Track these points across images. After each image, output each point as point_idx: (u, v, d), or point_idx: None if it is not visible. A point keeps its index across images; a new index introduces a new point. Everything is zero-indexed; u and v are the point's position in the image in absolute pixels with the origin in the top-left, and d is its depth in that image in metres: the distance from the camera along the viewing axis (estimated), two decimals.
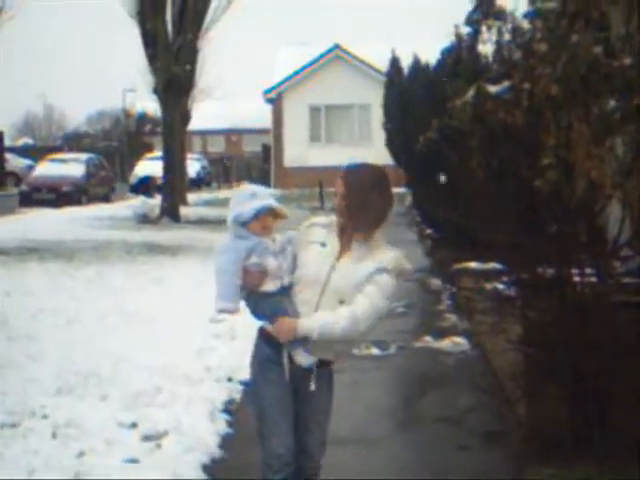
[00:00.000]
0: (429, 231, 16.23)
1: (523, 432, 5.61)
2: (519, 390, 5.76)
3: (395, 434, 6.16)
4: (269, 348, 4.08)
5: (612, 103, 5.28)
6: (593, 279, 5.63)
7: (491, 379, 7.02)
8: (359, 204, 3.94)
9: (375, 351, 8.44)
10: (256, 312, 4.07)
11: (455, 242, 12.04)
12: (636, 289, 5.78)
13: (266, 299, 4.00)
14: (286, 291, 4.02)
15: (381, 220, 4.03)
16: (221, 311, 4.04)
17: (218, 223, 20.96)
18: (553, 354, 5.39)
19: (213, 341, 8.41)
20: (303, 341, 3.95)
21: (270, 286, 4.00)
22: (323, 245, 4.03)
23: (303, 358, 4.00)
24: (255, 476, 4.27)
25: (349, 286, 3.95)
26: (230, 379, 7.22)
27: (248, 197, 4.01)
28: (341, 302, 3.94)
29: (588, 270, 5.65)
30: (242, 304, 4.06)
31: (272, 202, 4.03)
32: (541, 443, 5.34)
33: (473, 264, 10.56)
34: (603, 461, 5.13)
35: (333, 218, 4.11)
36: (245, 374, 7.34)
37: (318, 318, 3.93)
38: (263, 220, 4.01)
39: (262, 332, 4.13)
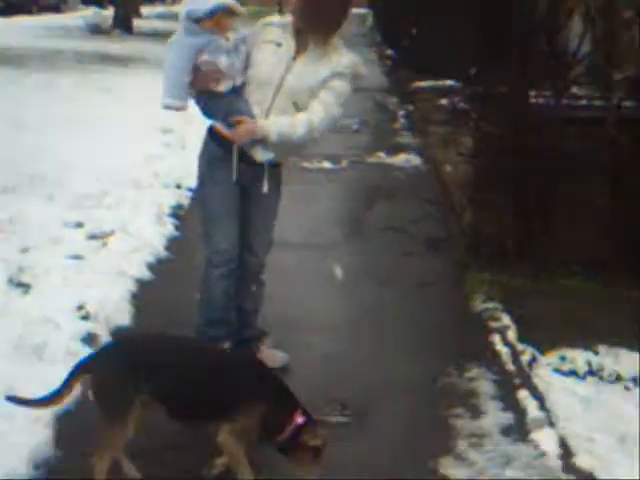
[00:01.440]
0: (389, 52, 15.99)
1: (466, 240, 5.68)
2: (465, 199, 5.81)
3: (343, 241, 6.21)
4: (218, 147, 3.98)
5: None
6: (548, 94, 5.61)
7: (440, 191, 7.07)
8: (314, 4, 3.78)
9: (328, 165, 8.43)
10: (208, 113, 3.93)
11: (414, 61, 11.89)
12: (589, 107, 5.79)
13: (218, 99, 3.84)
14: (238, 91, 3.87)
15: (338, 22, 3.84)
16: (167, 107, 3.87)
17: (171, 36, 20.38)
18: (501, 164, 5.41)
19: (163, 149, 8.32)
20: (259, 142, 3.88)
21: (221, 86, 3.83)
22: (278, 45, 3.87)
23: (261, 154, 3.92)
24: (198, 276, 4.29)
25: (303, 88, 3.82)
26: (179, 186, 7.18)
27: None
28: (294, 104, 3.85)
29: (544, 90, 5.62)
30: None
31: (230, 0, 3.85)
32: (484, 251, 5.44)
33: (430, 82, 10.47)
34: (541, 271, 5.25)
35: (289, 18, 3.92)
36: (194, 182, 7.29)
37: (276, 121, 3.81)
38: (218, 18, 3.81)
39: (212, 131, 4.01)
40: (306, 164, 8.21)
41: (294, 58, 3.86)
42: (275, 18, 4.02)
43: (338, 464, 3.23)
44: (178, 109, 3.89)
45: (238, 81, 3.86)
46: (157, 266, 5.48)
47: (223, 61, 3.81)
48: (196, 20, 3.77)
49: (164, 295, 5.06)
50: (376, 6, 17.74)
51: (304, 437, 3.01)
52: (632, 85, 5.74)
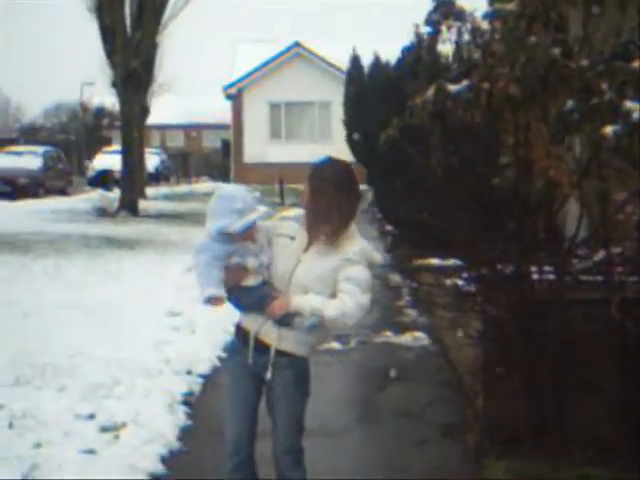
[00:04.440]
0: (389, 228, 16.34)
1: (481, 426, 5.67)
2: (477, 384, 5.83)
3: (355, 427, 6.19)
4: (237, 339, 4.15)
5: (570, 103, 5.36)
6: (551, 276, 5.74)
7: (450, 374, 7.08)
8: (326, 206, 3.95)
9: (336, 345, 8.47)
10: (239, 305, 4.09)
11: (415, 239, 12.11)
12: (592, 286, 5.89)
13: (249, 292, 4.01)
14: (267, 284, 4.03)
15: (350, 217, 4.04)
16: (209, 299, 3.96)
17: (176, 217, 20.88)
18: (510, 349, 5.47)
19: (172, 334, 8.39)
20: (289, 319, 3.94)
21: (252, 281, 4.02)
22: (292, 238, 4.06)
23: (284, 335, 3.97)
24: (213, 469, 4.26)
25: (312, 279, 3.95)
26: (189, 372, 7.21)
27: (235, 211, 3.94)
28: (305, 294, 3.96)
29: (546, 268, 5.75)
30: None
31: (259, 214, 4.00)
32: (499, 437, 5.41)
33: (433, 260, 10.65)
34: (559, 457, 5.21)
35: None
36: (204, 367, 7.37)
37: (310, 297, 3.91)
38: (249, 232, 4.01)
39: (237, 327, 4.18)
40: None
41: (305, 250, 4.01)
42: (293, 211, 4.23)
43: None
44: (218, 300, 3.99)
45: (267, 275, 4.04)
46: (170, 459, 5.44)
47: (251, 262, 4.01)
48: (227, 234, 3.95)
49: None
50: (374, 183, 18.23)
51: None
52: (632, 263, 5.90)
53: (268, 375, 4.02)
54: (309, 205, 4.01)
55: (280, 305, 3.94)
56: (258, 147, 35.09)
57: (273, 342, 4.00)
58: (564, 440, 5.22)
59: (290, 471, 4.09)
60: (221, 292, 3.97)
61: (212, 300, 3.98)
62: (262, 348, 4.03)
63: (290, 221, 4.14)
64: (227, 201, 4.01)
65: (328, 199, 3.95)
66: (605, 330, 5.22)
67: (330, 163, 4.11)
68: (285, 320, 3.97)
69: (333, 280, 3.96)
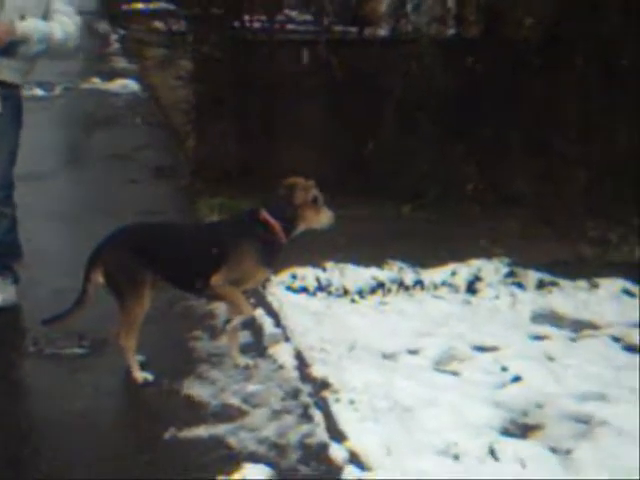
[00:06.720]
0: None
1: (192, 166, 5.69)
2: (189, 125, 5.79)
3: (63, 171, 6.02)
4: None
5: None
6: (263, 17, 5.71)
7: (161, 117, 7.00)
8: None
9: (39, 92, 8.06)
10: None
11: None
12: (303, 31, 5.96)
13: None
14: None
15: None
16: None
17: None
18: (222, 90, 5.44)
19: None
20: (14, 47, 3.62)
21: None
22: None
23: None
24: None
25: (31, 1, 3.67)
26: None
27: None
28: (22, 18, 3.64)
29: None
30: None
31: None
32: (210, 176, 5.47)
33: (141, 5, 10.25)
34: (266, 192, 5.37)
35: None
36: None
37: (34, 22, 3.63)
38: None
39: None
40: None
41: None
42: None
43: (76, 395, 3.20)
44: None
45: None
46: None
47: None
48: None
49: None
50: None
51: None
52: (340, 8, 5.99)
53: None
54: None
55: (6, 32, 3.56)
56: None
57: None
58: (271, 174, 5.36)
59: (3, 206, 3.96)
60: None
61: None
62: None
63: None
64: None
65: None
66: (313, 70, 5.32)
67: None
68: (10, 49, 3.60)
69: (47, 1, 3.72)
